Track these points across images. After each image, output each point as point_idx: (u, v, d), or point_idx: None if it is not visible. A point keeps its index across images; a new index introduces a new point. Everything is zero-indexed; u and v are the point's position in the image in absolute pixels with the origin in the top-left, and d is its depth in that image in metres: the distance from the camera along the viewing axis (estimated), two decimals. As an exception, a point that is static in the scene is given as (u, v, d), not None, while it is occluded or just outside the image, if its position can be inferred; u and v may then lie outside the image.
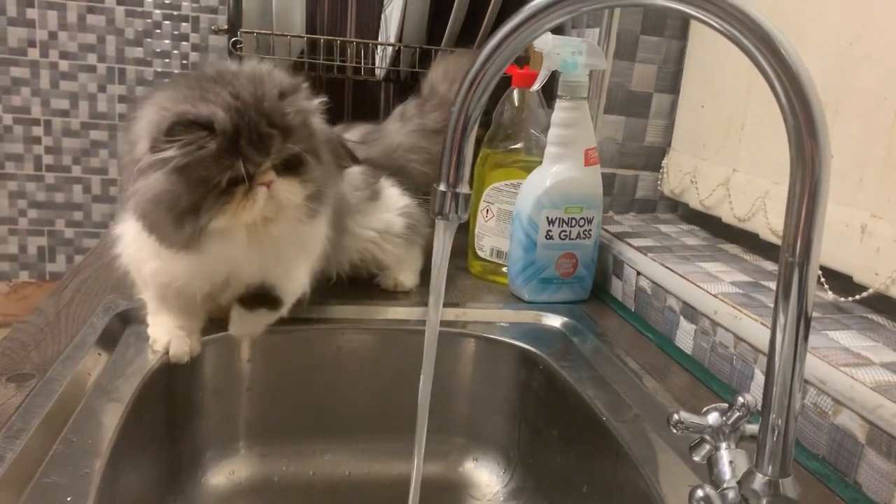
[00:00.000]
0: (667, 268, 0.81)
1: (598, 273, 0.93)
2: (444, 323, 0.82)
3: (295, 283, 0.73)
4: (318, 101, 0.67)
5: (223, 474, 0.77)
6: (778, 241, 0.77)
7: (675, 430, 0.50)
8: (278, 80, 0.63)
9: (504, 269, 0.96)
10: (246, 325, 0.74)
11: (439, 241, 0.49)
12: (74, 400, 0.60)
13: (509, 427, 0.80)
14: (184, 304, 0.70)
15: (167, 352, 0.69)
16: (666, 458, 0.59)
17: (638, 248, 0.88)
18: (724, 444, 0.48)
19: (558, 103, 0.87)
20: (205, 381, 0.75)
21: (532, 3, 0.43)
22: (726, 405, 0.49)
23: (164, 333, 0.70)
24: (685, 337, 0.76)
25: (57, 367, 0.63)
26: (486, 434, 0.81)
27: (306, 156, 0.63)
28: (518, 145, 0.95)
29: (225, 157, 0.58)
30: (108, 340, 0.71)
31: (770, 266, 0.83)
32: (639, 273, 0.86)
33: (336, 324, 0.81)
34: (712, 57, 0.94)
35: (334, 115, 0.75)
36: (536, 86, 0.87)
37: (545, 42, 0.84)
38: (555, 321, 0.84)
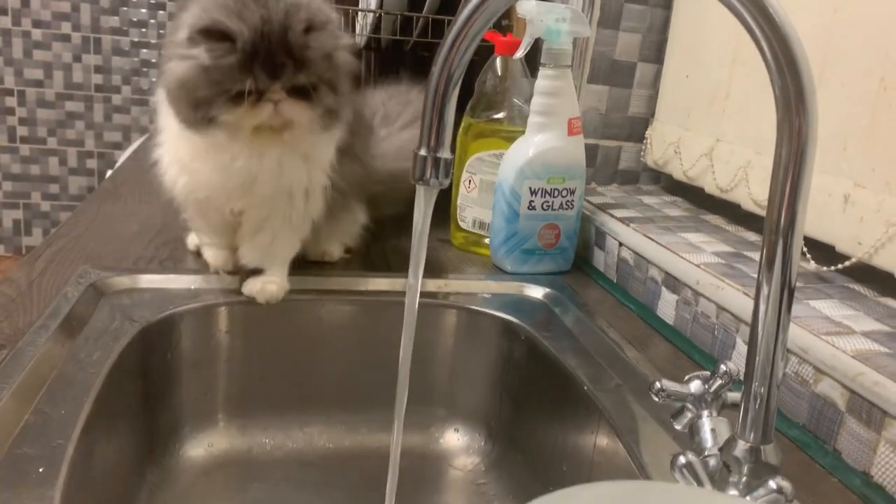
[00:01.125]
0: (649, 238, 0.81)
1: (580, 244, 0.92)
2: (425, 294, 0.82)
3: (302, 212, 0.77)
4: (346, 39, 0.72)
5: (202, 446, 0.76)
6: (760, 212, 0.77)
7: (656, 399, 0.49)
8: (312, 11, 0.67)
9: (486, 241, 0.95)
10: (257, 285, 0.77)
11: (420, 208, 0.48)
12: (47, 371, 0.58)
13: (490, 398, 0.79)
14: (217, 221, 0.78)
15: (215, 270, 0.79)
16: (647, 427, 0.59)
17: (620, 219, 0.88)
18: (705, 412, 0.48)
19: (541, 71, 0.86)
20: (182, 353, 0.74)
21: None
22: (708, 373, 0.49)
23: (208, 253, 0.81)
24: (667, 307, 0.76)
25: (28, 337, 0.62)
26: (466, 405, 0.80)
27: (319, 85, 0.68)
28: (501, 115, 0.94)
29: (238, 72, 0.65)
30: (83, 311, 0.69)
31: (753, 237, 0.83)
32: (621, 244, 0.85)
33: (316, 294, 0.80)
34: (697, 26, 0.93)
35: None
36: (520, 53, 0.86)
37: (529, 9, 0.82)
38: (537, 292, 0.84)
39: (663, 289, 0.77)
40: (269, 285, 0.77)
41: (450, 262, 0.92)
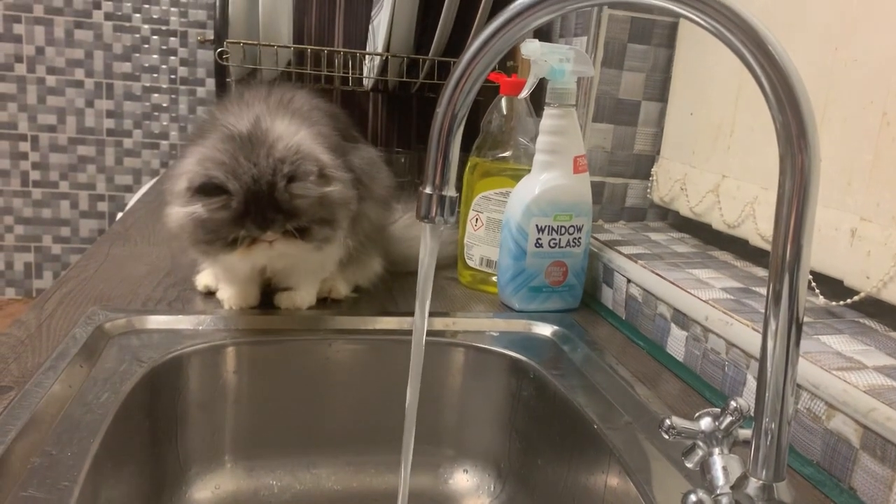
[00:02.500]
0: (657, 275, 0.81)
1: (588, 281, 0.92)
2: (432, 332, 0.82)
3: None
4: (335, 181, 0.76)
5: (208, 489, 0.75)
6: (767, 247, 0.77)
7: (667, 436, 0.49)
8: (297, 163, 0.72)
9: (494, 279, 0.95)
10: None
11: (425, 246, 0.48)
12: (54, 412, 0.58)
13: (500, 437, 0.79)
14: (242, 275, 0.82)
15: (231, 306, 0.82)
16: (658, 465, 0.58)
17: (628, 256, 0.88)
18: (716, 450, 0.47)
19: (546, 111, 0.87)
20: (190, 393, 0.74)
21: (518, 2, 0.42)
22: (718, 410, 0.49)
23: (226, 292, 0.83)
24: (676, 344, 0.75)
25: (37, 378, 0.62)
26: (475, 445, 0.80)
27: (311, 226, 0.74)
28: (507, 154, 0.94)
29: (232, 225, 0.71)
30: (90, 352, 0.69)
31: (761, 272, 0.83)
32: (629, 280, 0.85)
33: (323, 334, 0.80)
34: (700, 65, 0.94)
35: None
36: (524, 93, 0.87)
37: (533, 49, 0.83)
38: (545, 329, 0.83)
39: (672, 325, 0.76)
40: (295, 296, 0.84)
41: (457, 300, 0.92)
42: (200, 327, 0.78)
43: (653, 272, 0.82)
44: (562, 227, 0.87)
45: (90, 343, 0.70)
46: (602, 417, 0.65)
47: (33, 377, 0.62)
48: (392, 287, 0.94)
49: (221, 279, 0.84)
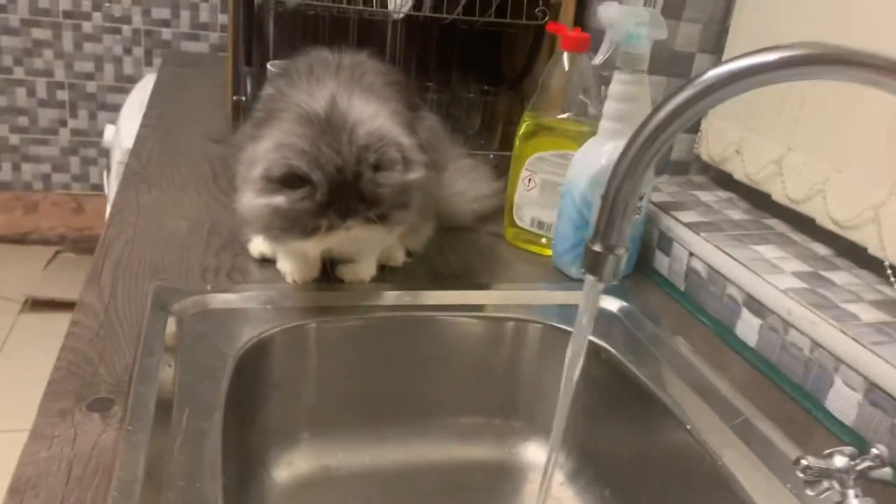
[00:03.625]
0: (724, 252, 0.81)
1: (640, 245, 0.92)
2: (497, 307, 0.82)
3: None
4: (417, 171, 0.73)
5: (284, 467, 0.76)
6: (839, 231, 0.77)
7: (801, 475, 0.51)
8: (382, 150, 0.69)
9: (542, 240, 0.95)
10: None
11: (588, 300, 0.47)
12: (167, 431, 0.57)
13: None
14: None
15: (295, 279, 0.79)
16: (744, 458, 0.61)
17: (688, 226, 0.87)
18: (851, 492, 0.50)
19: (617, 75, 0.83)
20: (270, 376, 0.73)
21: (709, 75, 0.39)
22: (853, 450, 0.50)
23: (288, 266, 0.80)
24: (748, 330, 0.77)
25: (136, 388, 0.60)
26: (541, 418, 0.81)
27: (389, 213, 0.71)
28: (565, 113, 0.91)
29: (314, 216, 0.69)
30: (171, 345, 0.67)
31: (821, 249, 0.84)
32: (691, 254, 0.85)
33: (393, 310, 0.79)
34: (766, 21, 0.91)
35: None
36: (599, 59, 0.83)
37: (611, 13, 0.79)
38: (611, 304, 0.84)
39: (744, 310, 0.77)
40: (359, 268, 0.81)
41: (503, 261, 0.92)
42: (269, 306, 0.76)
43: (718, 248, 0.82)
44: (626, 197, 0.86)
45: (169, 335, 0.68)
46: (696, 417, 0.67)
47: (131, 386, 0.60)
48: (442, 247, 0.93)
49: (282, 251, 0.80)
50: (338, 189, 0.68)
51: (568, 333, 0.77)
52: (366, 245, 0.79)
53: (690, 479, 0.66)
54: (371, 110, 0.71)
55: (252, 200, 0.70)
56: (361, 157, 0.68)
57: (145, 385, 0.60)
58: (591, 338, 0.78)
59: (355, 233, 0.71)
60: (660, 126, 0.41)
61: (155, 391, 0.59)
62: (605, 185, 0.43)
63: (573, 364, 0.51)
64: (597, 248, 0.44)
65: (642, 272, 0.93)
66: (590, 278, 0.45)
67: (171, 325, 0.69)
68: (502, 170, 1.11)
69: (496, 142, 1.22)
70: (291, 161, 0.67)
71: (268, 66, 1.11)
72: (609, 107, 0.84)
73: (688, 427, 0.66)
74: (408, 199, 0.73)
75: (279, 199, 0.68)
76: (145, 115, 1.33)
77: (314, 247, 0.73)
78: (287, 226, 0.69)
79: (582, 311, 0.47)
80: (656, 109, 0.41)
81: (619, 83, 0.83)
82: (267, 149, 0.69)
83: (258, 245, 0.83)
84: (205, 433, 0.57)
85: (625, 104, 0.83)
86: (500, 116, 1.22)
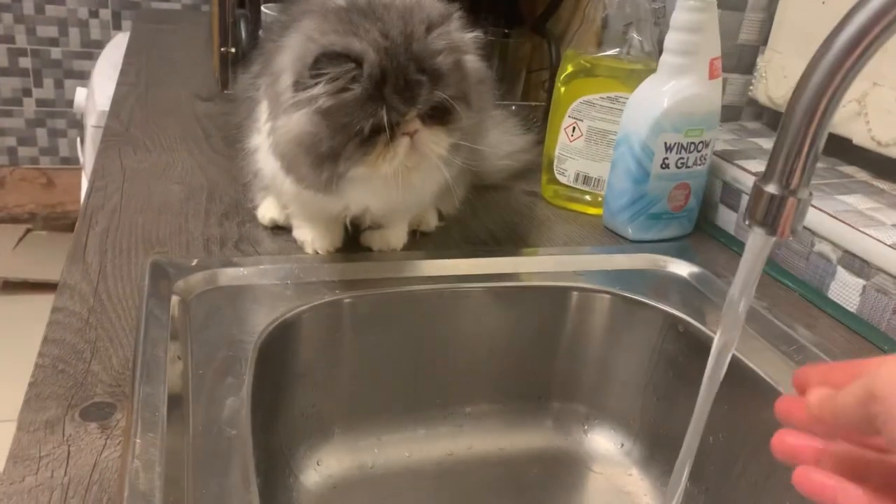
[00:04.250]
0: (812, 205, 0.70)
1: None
2: (545, 275, 0.71)
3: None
4: (471, 35, 0.60)
5: (313, 466, 0.65)
6: (944, 176, 0.67)
7: None
8: (428, 9, 0.57)
9: (587, 197, 0.83)
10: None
11: (750, 266, 0.35)
12: (185, 441, 0.45)
13: (634, 393, 0.70)
14: (328, 216, 0.67)
15: (316, 249, 0.67)
16: None
17: (757, 174, 0.76)
18: None
19: (681, 2, 0.71)
20: (295, 363, 0.62)
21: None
22: None
23: (308, 234, 0.68)
24: (845, 291, 0.67)
25: (141, 388, 0.48)
26: (607, 401, 0.71)
27: (455, 103, 0.58)
28: (615, 50, 0.79)
29: (369, 104, 0.54)
30: (180, 333, 0.55)
31: (914, 198, 0.74)
32: (766, 207, 0.74)
33: (431, 282, 0.67)
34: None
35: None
36: (663, -19, 0.71)
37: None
38: (680, 268, 0.73)
39: (839, 269, 0.67)
40: (389, 235, 0.70)
41: (546, 223, 0.81)
42: (289, 281, 0.64)
43: (800, 200, 0.71)
44: (691, 143, 0.75)
45: (174, 319, 0.56)
46: (779, 382, 0.57)
47: (135, 388, 0.48)
48: (476, 209, 0.81)
49: (299, 217, 0.68)
50: (389, 58, 0.54)
51: (639, 304, 0.68)
52: (414, 192, 0.65)
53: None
54: None
55: (287, 121, 0.56)
56: (406, 18, 0.55)
57: (152, 384, 0.48)
58: (665, 307, 0.67)
59: (422, 141, 0.57)
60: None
61: (164, 391, 0.48)
62: (788, 105, 0.31)
63: (722, 358, 0.40)
64: (772, 189, 0.32)
65: (702, 230, 0.82)
66: (758, 233, 0.34)
67: (174, 307, 0.57)
68: (530, 122, 1.00)
69: (518, 91, 1.10)
70: (322, 40, 0.54)
71: (262, 8, 0.97)
72: (672, 39, 0.72)
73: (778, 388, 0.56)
74: (468, 88, 0.60)
75: (319, 94, 0.53)
76: (122, 73, 1.19)
77: (379, 169, 0.57)
78: (338, 139, 0.55)
79: (741, 282, 0.36)
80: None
81: (684, 10, 0.71)
82: (290, 55, 0.56)
83: (268, 210, 0.71)
84: (231, 443, 0.45)
85: (691, 35, 0.72)
86: (521, 63, 1.10)
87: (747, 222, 0.34)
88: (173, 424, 0.45)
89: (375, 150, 0.56)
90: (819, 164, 0.79)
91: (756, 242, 0.34)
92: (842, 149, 0.80)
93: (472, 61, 0.62)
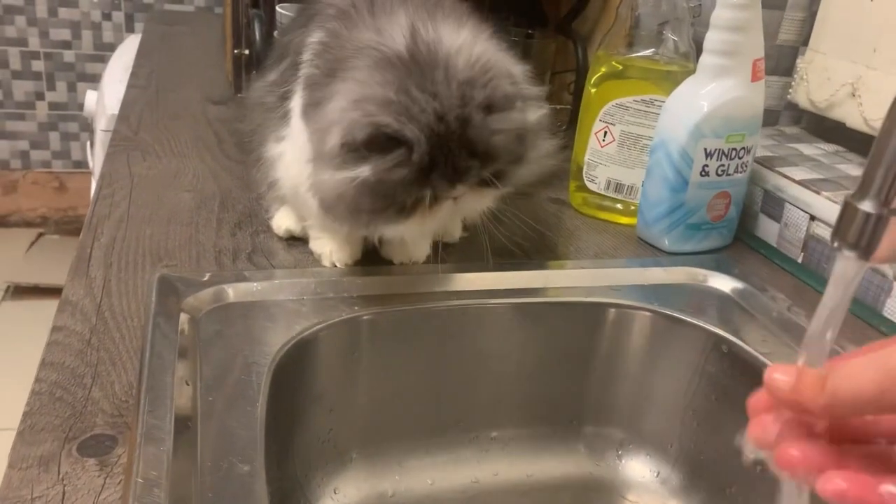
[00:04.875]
0: (863, 216, 0.65)
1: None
2: (577, 290, 0.66)
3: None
4: (541, 113, 0.58)
5: (329, 494, 0.61)
6: None
7: None
8: (492, 85, 0.52)
9: (619, 206, 0.79)
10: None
11: (841, 285, 0.31)
12: (194, 480, 0.41)
13: (673, 418, 0.65)
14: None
15: (335, 263, 0.64)
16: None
17: (802, 184, 0.72)
18: None
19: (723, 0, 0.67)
20: (312, 385, 0.58)
21: None
22: None
23: (326, 246, 0.64)
24: (904, 309, 0.62)
25: (145, 418, 0.44)
26: (644, 425, 0.66)
27: (507, 169, 0.56)
28: (649, 51, 0.75)
29: (415, 186, 0.52)
30: (188, 351, 0.51)
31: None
32: (813, 217, 0.70)
33: (455, 297, 0.63)
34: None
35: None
36: (704, -23, 0.67)
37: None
38: (721, 283, 0.68)
39: (895, 284, 0.62)
40: (412, 247, 0.66)
41: (575, 234, 0.77)
42: (305, 297, 0.60)
43: (850, 210, 0.66)
44: (732, 150, 0.70)
45: (182, 339, 0.52)
46: None
47: (139, 418, 0.44)
48: (498, 218, 0.76)
49: (317, 228, 0.64)
50: (441, 145, 0.51)
51: (679, 322, 0.63)
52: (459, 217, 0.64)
53: None
54: (466, 36, 0.54)
55: (332, 179, 0.53)
56: (467, 97, 0.51)
57: (157, 413, 0.44)
58: (707, 325, 0.63)
59: (466, 202, 0.56)
60: None
61: (170, 421, 0.44)
62: (891, 109, 0.27)
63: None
64: (869, 208, 0.28)
65: (741, 241, 0.77)
66: (848, 257, 0.29)
67: (183, 325, 0.53)
68: (555, 126, 0.96)
69: (544, 93, 1.05)
70: (377, 118, 0.50)
71: (276, 8, 0.94)
72: (713, 38, 0.68)
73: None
74: (524, 148, 0.56)
75: (366, 170, 0.51)
76: (133, 76, 1.15)
77: (416, 228, 0.56)
78: (379, 205, 0.53)
79: (826, 313, 0.31)
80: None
81: (727, 8, 0.67)
82: (342, 108, 0.52)
83: (283, 220, 0.67)
84: (244, 481, 0.41)
85: (734, 35, 0.67)
86: (546, 64, 1.05)
87: (836, 244, 0.30)
88: (180, 459, 0.41)
89: (417, 215, 0.54)
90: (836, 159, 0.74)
91: (846, 268, 0.30)
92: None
93: (537, 123, 0.58)
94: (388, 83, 0.51)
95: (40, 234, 2.52)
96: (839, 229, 0.29)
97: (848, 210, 0.29)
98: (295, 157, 0.59)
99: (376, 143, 0.50)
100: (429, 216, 0.54)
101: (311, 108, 0.57)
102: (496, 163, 0.54)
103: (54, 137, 2.56)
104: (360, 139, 0.50)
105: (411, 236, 0.61)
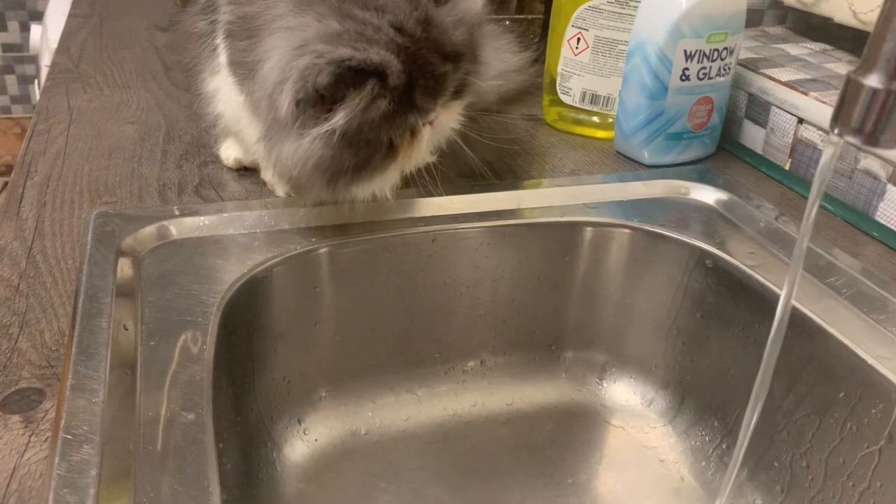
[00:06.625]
0: (854, 116, 0.61)
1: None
2: (552, 210, 0.62)
3: None
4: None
5: (299, 436, 0.58)
6: None
7: None
8: None
9: (595, 119, 0.74)
10: None
11: (824, 178, 0.27)
12: (131, 436, 0.37)
13: (657, 339, 0.62)
14: None
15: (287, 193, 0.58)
16: None
17: (788, 85, 0.67)
18: None
19: None
20: (268, 324, 0.54)
21: None
22: None
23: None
24: (896, 213, 0.58)
25: (76, 367, 0.40)
26: (628, 347, 0.63)
27: (470, 75, 0.52)
28: (622, -54, 0.69)
29: (398, 115, 0.47)
30: (128, 297, 0.47)
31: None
32: (801, 120, 0.66)
33: (422, 223, 0.59)
34: None
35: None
36: None
37: None
38: (704, 195, 0.64)
39: (890, 187, 0.58)
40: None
41: (549, 150, 0.72)
42: (258, 230, 0.55)
43: (841, 110, 0.62)
44: (714, 50, 0.65)
45: (122, 281, 0.48)
46: (829, 321, 0.49)
47: (69, 368, 0.39)
48: (468, 138, 0.71)
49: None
50: (413, 58, 0.46)
51: (660, 237, 0.59)
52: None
53: (857, 413, 0.49)
54: None
55: (297, 147, 0.46)
56: None
57: (91, 362, 0.40)
58: (690, 240, 0.59)
59: (440, 123, 0.52)
60: None
61: (105, 370, 0.40)
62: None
63: (786, 306, 0.32)
64: (876, 83, 0.24)
65: (725, 150, 0.73)
66: (849, 144, 0.25)
67: (123, 267, 0.49)
68: (527, 39, 0.90)
69: (511, 4, 0.99)
70: (333, 53, 0.44)
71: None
72: (690, -72, 0.62)
73: (846, 343, 0.48)
74: (478, 48, 0.52)
75: (339, 119, 0.44)
76: (74, 4, 1.08)
77: (396, 174, 0.52)
78: (363, 155, 0.47)
79: (816, 190, 0.27)
80: None
81: None
82: (283, 63, 0.45)
83: (232, 150, 0.62)
84: (188, 430, 0.38)
85: (712, -78, 0.61)
86: (514, -29, 0.98)
87: (835, 132, 0.25)
88: (116, 411, 0.38)
89: (400, 153, 0.50)
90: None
91: (831, 157, 0.26)
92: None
93: (472, 4, 0.52)
94: (324, 15, 0.45)
95: (6, 184, 2.44)
96: (840, 113, 0.25)
97: (851, 88, 0.24)
98: (230, 94, 0.54)
99: (342, 82, 0.44)
100: (413, 151, 0.50)
101: (241, 70, 0.50)
102: (464, 61, 0.50)
103: (11, 81, 2.45)
104: (322, 84, 0.43)
105: (382, 190, 0.54)
